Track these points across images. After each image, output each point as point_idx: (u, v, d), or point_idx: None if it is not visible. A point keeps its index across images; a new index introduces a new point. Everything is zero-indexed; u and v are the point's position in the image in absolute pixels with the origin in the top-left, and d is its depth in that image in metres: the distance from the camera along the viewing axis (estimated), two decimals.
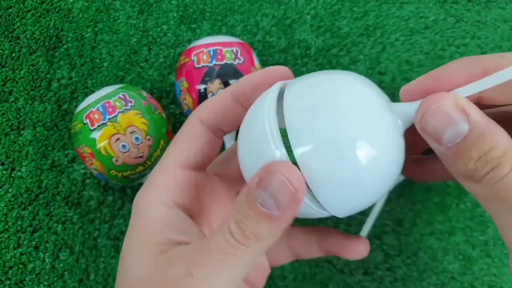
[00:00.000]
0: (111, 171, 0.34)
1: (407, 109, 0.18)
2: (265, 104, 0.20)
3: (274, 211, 0.17)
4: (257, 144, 0.19)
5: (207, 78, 0.35)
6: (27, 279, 0.38)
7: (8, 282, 0.38)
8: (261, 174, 0.18)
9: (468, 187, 0.17)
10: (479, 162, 0.15)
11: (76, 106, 0.43)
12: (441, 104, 0.16)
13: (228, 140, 0.39)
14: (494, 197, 0.16)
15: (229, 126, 0.24)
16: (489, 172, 0.15)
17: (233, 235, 0.18)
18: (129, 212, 0.39)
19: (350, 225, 0.39)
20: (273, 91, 0.20)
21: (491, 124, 0.16)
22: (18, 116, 0.43)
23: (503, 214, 0.16)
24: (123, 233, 0.39)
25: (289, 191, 0.17)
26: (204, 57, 0.35)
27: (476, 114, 0.16)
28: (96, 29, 0.47)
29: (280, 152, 0.18)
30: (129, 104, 0.34)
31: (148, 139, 0.34)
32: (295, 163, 0.18)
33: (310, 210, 0.20)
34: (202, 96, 0.35)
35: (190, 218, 0.22)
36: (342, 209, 0.20)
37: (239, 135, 0.21)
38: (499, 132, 0.16)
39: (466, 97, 0.17)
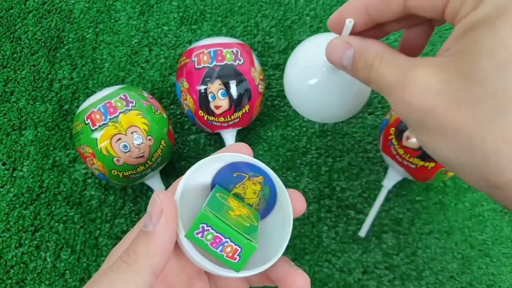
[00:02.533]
0: (112, 171, 0.34)
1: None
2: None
3: (149, 228, 0.20)
4: None
5: (207, 79, 0.35)
6: (28, 278, 0.38)
7: (10, 281, 0.38)
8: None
9: (371, 87, 0.23)
10: (364, 68, 0.23)
11: (77, 107, 0.44)
12: (334, 43, 0.24)
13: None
14: (377, 84, 0.22)
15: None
16: (370, 71, 0.22)
17: (121, 256, 0.20)
18: (130, 212, 0.40)
19: (349, 224, 0.39)
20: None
21: (367, 42, 0.23)
22: (19, 116, 0.44)
23: (388, 99, 0.22)
24: (124, 232, 0.39)
25: (158, 206, 0.20)
26: (205, 58, 0.35)
27: (356, 41, 0.23)
28: (97, 30, 0.47)
29: None
30: (130, 105, 0.34)
31: (149, 139, 0.34)
32: None
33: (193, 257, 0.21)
34: (203, 97, 0.35)
35: None
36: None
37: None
38: (372, 45, 0.23)
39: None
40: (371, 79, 0.22)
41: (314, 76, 0.37)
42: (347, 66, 0.24)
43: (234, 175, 0.25)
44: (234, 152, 0.24)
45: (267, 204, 0.25)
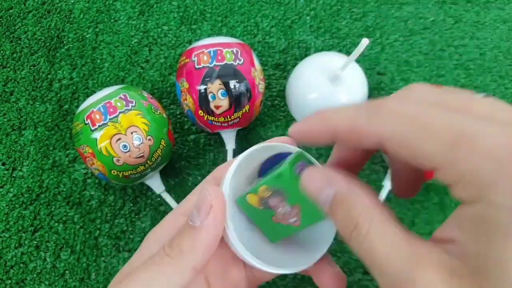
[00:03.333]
0: (112, 171, 0.34)
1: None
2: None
3: (196, 222, 0.20)
4: None
5: (207, 79, 0.35)
6: (28, 279, 0.38)
7: (9, 281, 0.38)
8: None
9: (351, 247, 0.18)
10: (345, 220, 0.17)
11: (77, 107, 0.44)
12: (314, 173, 0.19)
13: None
14: (365, 256, 0.17)
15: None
16: (353, 231, 0.17)
17: (164, 248, 0.20)
18: (130, 212, 0.40)
19: None
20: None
21: (352, 187, 0.18)
22: (19, 116, 0.44)
23: (376, 277, 0.17)
24: (123, 232, 0.39)
25: (208, 201, 0.20)
26: (205, 57, 0.35)
27: (339, 181, 0.18)
28: (97, 29, 0.47)
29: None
30: (130, 105, 0.34)
31: (149, 139, 0.34)
32: None
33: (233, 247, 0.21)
34: (203, 96, 0.35)
35: None
36: None
37: None
38: (359, 194, 0.18)
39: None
40: (353, 243, 0.17)
41: (314, 91, 0.38)
42: (323, 206, 0.19)
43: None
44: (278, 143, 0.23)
45: None
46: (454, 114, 0.15)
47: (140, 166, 0.34)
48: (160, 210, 0.40)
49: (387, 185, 0.38)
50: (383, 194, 0.38)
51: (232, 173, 0.21)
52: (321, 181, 0.19)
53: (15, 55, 0.46)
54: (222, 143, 0.41)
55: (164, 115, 0.37)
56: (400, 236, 0.16)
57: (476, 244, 0.15)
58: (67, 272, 0.38)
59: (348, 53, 0.44)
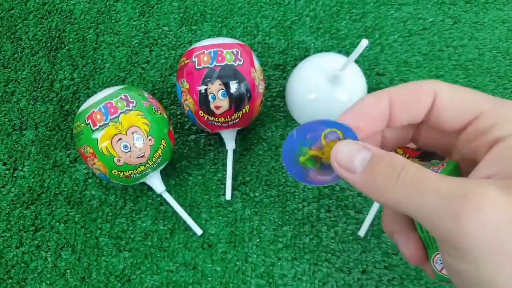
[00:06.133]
0: (113, 171, 0.34)
1: None
2: None
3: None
4: None
5: (207, 79, 0.35)
6: (29, 278, 0.38)
7: (10, 280, 0.38)
8: None
9: (392, 194, 0.19)
10: (388, 169, 0.18)
11: (78, 107, 0.44)
12: (347, 143, 0.20)
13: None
14: (412, 192, 0.17)
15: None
16: (400, 173, 0.18)
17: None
18: (131, 211, 0.40)
19: (348, 224, 0.39)
20: None
21: (386, 151, 0.20)
22: (20, 117, 0.44)
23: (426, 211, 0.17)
24: (124, 232, 0.39)
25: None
26: (205, 58, 0.36)
27: (373, 147, 0.20)
28: (98, 30, 0.47)
29: None
30: (131, 105, 0.34)
31: (150, 139, 0.34)
32: None
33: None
34: (203, 97, 0.36)
35: None
36: None
37: None
38: (394, 154, 0.19)
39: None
40: (399, 184, 0.18)
41: (313, 92, 0.39)
42: (357, 169, 0.19)
43: (308, 137, 0.22)
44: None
45: None
46: None
47: (140, 166, 0.34)
48: (160, 210, 0.40)
49: None
50: None
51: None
52: (357, 146, 0.20)
53: (16, 55, 0.46)
54: (222, 143, 0.41)
55: (165, 115, 0.37)
56: (445, 177, 0.17)
57: None
58: (68, 271, 0.38)
59: (347, 53, 0.45)
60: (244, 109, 0.37)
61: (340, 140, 0.21)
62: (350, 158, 0.20)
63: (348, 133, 0.21)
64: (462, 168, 0.21)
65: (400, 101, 0.21)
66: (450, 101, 0.20)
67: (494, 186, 0.16)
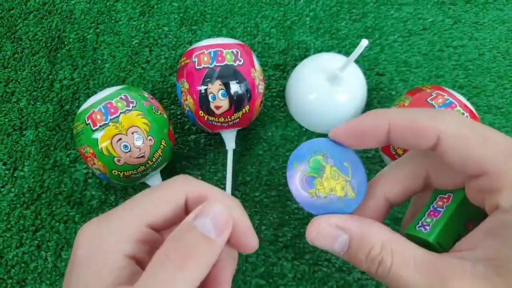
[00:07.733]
0: (113, 171, 0.34)
1: None
2: None
3: (211, 234, 0.18)
4: None
5: (207, 79, 0.35)
6: (29, 278, 0.38)
7: (11, 281, 0.38)
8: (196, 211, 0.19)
9: (378, 279, 0.19)
10: (367, 261, 0.19)
11: (78, 107, 0.44)
12: (321, 227, 0.20)
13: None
14: (392, 285, 0.18)
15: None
16: (378, 268, 0.18)
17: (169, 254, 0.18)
18: None
19: None
20: None
21: (365, 226, 0.19)
22: (20, 117, 0.44)
23: None
24: None
25: (226, 215, 0.19)
26: (205, 58, 0.36)
27: (350, 223, 0.19)
28: (98, 30, 0.47)
29: None
30: (131, 105, 0.34)
31: (150, 139, 0.34)
32: None
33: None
34: (203, 97, 0.36)
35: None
36: None
37: None
38: (374, 230, 0.19)
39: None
40: (379, 278, 0.19)
41: (313, 92, 0.39)
42: (340, 252, 0.20)
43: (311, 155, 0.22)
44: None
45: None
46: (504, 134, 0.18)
47: (141, 166, 0.34)
48: None
49: None
50: None
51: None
52: (331, 231, 0.20)
53: (16, 55, 0.46)
54: (222, 143, 0.41)
55: (165, 115, 0.37)
56: (421, 258, 0.18)
57: (507, 248, 0.16)
58: None
59: (347, 53, 0.45)
60: (244, 109, 0.37)
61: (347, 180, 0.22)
62: (329, 243, 0.20)
63: (357, 170, 0.22)
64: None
65: (400, 134, 0.20)
66: (452, 153, 0.18)
67: (464, 278, 0.16)
